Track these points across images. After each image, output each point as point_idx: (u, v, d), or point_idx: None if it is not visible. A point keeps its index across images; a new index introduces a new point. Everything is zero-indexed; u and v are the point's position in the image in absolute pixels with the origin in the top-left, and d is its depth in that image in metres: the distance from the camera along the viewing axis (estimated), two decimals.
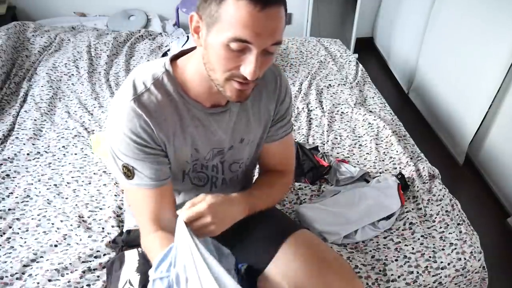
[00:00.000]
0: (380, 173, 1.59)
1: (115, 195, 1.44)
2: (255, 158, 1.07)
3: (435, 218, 1.40)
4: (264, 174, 1.09)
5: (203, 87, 0.86)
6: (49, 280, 1.16)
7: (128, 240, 1.09)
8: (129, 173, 0.86)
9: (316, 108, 1.96)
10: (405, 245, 1.31)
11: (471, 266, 1.27)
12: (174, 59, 0.90)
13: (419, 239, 1.33)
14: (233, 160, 0.99)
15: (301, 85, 2.12)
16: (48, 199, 1.43)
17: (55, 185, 1.50)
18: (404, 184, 1.49)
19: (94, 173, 1.55)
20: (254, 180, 1.12)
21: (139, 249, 1.02)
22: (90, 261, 1.22)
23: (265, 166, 1.10)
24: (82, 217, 1.37)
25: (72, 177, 1.53)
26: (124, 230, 1.15)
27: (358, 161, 1.67)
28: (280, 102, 1.00)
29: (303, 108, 1.95)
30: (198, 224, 0.79)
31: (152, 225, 0.89)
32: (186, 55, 0.89)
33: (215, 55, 0.75)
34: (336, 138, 1.79)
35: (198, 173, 0.97)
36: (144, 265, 0.98)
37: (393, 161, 1.65)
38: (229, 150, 0.97)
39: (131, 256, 1.03)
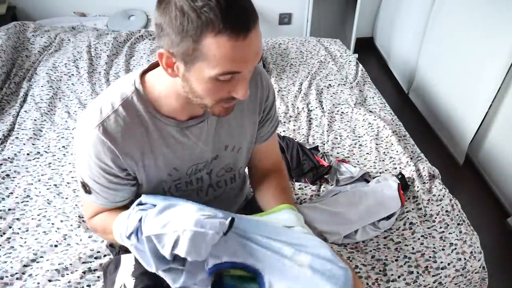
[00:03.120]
0: (380, 173, 1.59)
1: None
2: (245, 162, 1.03)
3: (435, 218, 1.40)
4: (270, 181, 1.04)
5: (179, 103, 0.82)
6: (49, 281, 1.16)
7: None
8: (86, 189, 0.87)
9: (316, 108, 1.96)
10: (405, 245, 1.31)
11: (471, 266, 1.27)
12: (144, 73, 0.85)
13: (419, 239, 1.33)
14: (220, 168, 0.96)
15: (301, 85, 2.12)
16: (48, 199, 1.43)
17: (55, 185, 1.50)
18: (404, 184, 1.49)
19: None
20: (263, 191, 1.04)
21: None
22: (91, 262, 1.22)
23: (260, 168, 1.07)
24: (82, 217, 1.37)
25: (72, 177, 1.53)
26: None
27: (358, 161, 1.67)
28: (264, 100, 0.97)
29: (303, 108, 1.95)
30: None
31: (95, 216, 0.93)
32: (154, 71, 0.84)
33: (202, 89, 0.72)
34: (336, 138, 1.79)
35: (185, 191, 0.94)
36: (140, 269, 0.98)
37: (393, 161, 1.65)
38: (214, 160, 0.93)
39: (127, 260, 1.01)
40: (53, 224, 1.34)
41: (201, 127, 0.87)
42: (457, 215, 1.41)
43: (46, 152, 1.64)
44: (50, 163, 1.59)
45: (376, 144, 1.74)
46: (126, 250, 1.04)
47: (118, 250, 1.09)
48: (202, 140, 0.88)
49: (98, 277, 1.18)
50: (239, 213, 1.11)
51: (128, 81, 0.84)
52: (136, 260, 1.00)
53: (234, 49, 0.65)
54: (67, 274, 1.18)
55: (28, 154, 1.62)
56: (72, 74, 2.09)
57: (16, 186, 1.48)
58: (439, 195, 1.48)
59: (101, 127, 0.79)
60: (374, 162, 1.65)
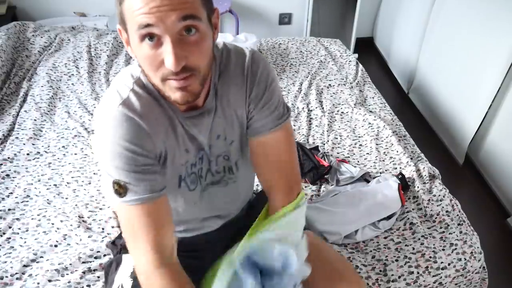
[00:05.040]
0: (380, 173, 1.59)
1: None
2: (240, 155, 0.96)
3: (436, 218, 1.40)
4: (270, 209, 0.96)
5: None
6: (49, 281, 1.16)
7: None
8: (121, 189, 0.78)
9: (316, 108, 1.95)
10: (406, 245, 1.31)
11: (471, 266, 1.27)
12: None
13: (419, 239, 1.33)
14: (216, 156, 0.92)
15: (301, 85, 2.12)
16: (48, 199, 1.43)
17: (55, 185, 1.50)
18: (404, 184, 1.49)
19: (94, 173, 1.55)
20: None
21: None
22: (90, 262, 1.22)
23: (266, 181, 0.95)
24: (82, 217, 1.37)
25: (72, 177, 1.53)
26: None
27: (358, 161, 1.67)
28: (252, 86, 0.87)
29: (303, 108, 1.95)
30: None
31: (153, 253, 0.78)
32: None
33: (141, 59, 0.72)
34: (336, 138, 1.79)
35: (190, 175, 0.91)
36: None
37: (393, 161, 1.65)
38: (210, 149, 0.91)
39: (128, 260, 1.01)
40: (53, 224, 1.34)
41: (201, 119, 0.85)
42: (457, 215, 1.41)
43: (46, 152, 1.64)
44: (50, 163, 1.59)
45: (376, 144, 1.73)
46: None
47: (120, 248, 1.08)
48: (203, 133, 0.87)
49: (98, 277, 1.18)
50: (241, 218, 1.11)
51: (135, 64, 0.83)
52: None
53: (141, 1, 0.66)
54: (67, 274, 1.18)
55: (28, 154, 1.61)
56: (72, 74, 2.09)
57: (16, 186, 1.48)
58: (439, 195, 1.47)
59: (124, 104, 0.77)
60: (374, 162, 1.65)
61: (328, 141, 1.77)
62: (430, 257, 1.27)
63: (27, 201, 1.43)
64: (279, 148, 0.91)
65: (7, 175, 1.52)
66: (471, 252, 1.29)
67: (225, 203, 1.04)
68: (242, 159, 0.97)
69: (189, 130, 0.85)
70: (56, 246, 1.27)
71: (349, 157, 1.69)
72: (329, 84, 2.14)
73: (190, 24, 0.68)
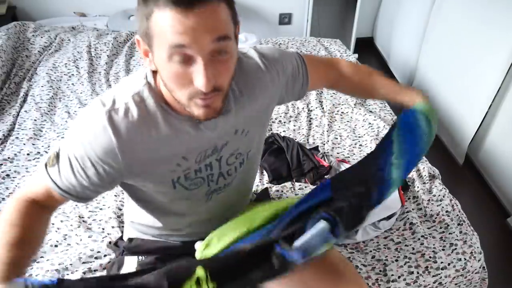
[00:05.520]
0: None
1: (115, 195, 1.44)
2: (254, 146, 0.98)
3: (435, 218, 1.40)
4: (342, 82, 1.13)
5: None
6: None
7: (129, 247, 1.06)
8: (52, 162, 0.80)
9: (316, 108, 1.96)
10: (406, 245, 1.31)
11: (471, 266, 1.27)
12: None
13: (419, 239, 1.33)
14: (229, 154, 0.92)
15: None
16: None
17: None
18: (404, 184, 1.49)
19: None
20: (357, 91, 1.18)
21: (140, 257, 1.01)
22: (91, 262, 1.21)
23: (332, 84, 1.13)
24: (82, 217, 1.37)
25: None
26: (125, 238, 1.11)
27: None
28: (276, 81, 0.93)
29: (303, 108, 1.95)
30: None
31: (32, 200, 0.84)
32: None
33: (166, 74, 0.70)
34: (336, 138, 1.79)
35: (194, 179, 0.90)
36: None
37: None
38: (225, 146, 0.90)
39: (130, 263, 1.01)
40: (53, 224, 1.34)
41: (215, 123, 0.84)
42: (457, 215, 1.41)
43: (46, 152, 1.64)
44: None
45: (376, 144, 1.73)
46: (131, 253, 1.04)
47: (122, 250, 1.08)
48: (216, 133, 0.86)
49: None
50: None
51: (139, 75, 0.82)
52: (138, 264, 1.00)
53: (175, 20, 0.64)
54: (67, 274, 1.18)
55: (28, 154, 1.61)
56: (72, 74, 2.09)
57: (16, 186, 1.48)
58: (439, 195, 1.48)
59: (108, 113, 0.76)
60: None
61: (328, 141, 1.77)
62: (430, 257, 1.27)
63: None
64: (319, 67, 1.06)
65: (7, 175, 1.52)
66: (471, 252, 1.29)
67: (231, 205, 1.04)
68: (256, 148, 0.99)
69: (199, 135, 0.83)
70: (56, 246, 1.27)
71: (349, 157, 1.69)
72: None
73: (223, 47, 0.69)
